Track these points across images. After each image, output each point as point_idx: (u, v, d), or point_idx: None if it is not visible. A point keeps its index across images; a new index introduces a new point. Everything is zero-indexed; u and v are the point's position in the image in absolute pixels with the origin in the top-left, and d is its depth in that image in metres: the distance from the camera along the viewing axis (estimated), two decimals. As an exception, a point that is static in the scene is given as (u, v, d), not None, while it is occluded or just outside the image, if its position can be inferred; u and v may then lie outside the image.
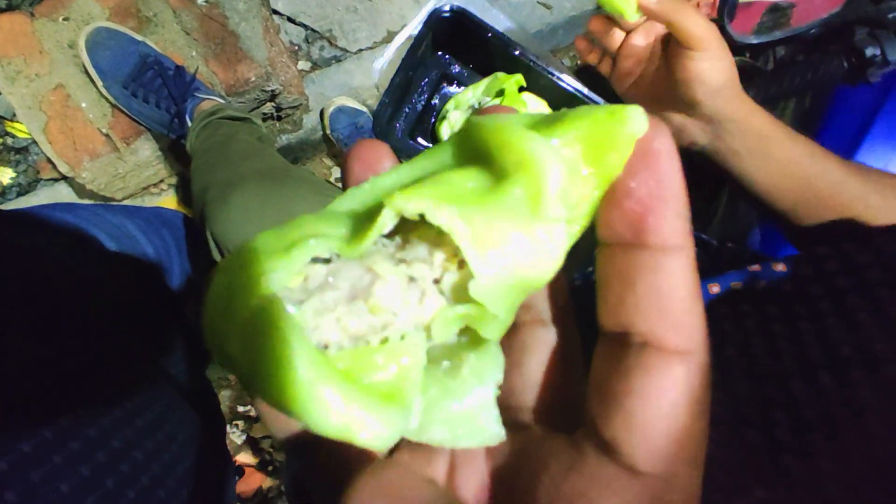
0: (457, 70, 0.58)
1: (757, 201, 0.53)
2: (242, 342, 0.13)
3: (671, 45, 0.49)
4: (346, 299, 0.14)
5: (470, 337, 0.16)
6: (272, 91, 1.01)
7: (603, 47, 0.55)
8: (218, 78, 0.94)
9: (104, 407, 0.41)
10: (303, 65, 1.16)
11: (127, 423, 0.42)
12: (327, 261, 0.15)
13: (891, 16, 0.72)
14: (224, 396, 1.26)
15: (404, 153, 0.54)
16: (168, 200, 1.12)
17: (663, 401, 0.13)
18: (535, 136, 0.14)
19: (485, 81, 0.55)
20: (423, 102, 0.58)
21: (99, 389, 0.42)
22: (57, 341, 0.43)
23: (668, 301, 0.14)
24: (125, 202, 1.07)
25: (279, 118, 1.14)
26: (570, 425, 0.16)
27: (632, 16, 0.48)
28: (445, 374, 0.15)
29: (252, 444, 1.26)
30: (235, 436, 1.26)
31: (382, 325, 0.14)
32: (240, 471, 1.21)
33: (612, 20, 0.51)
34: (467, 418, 0.15)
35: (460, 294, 0.14)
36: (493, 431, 0.15)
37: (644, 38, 0.52)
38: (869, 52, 0.70)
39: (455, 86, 0.58)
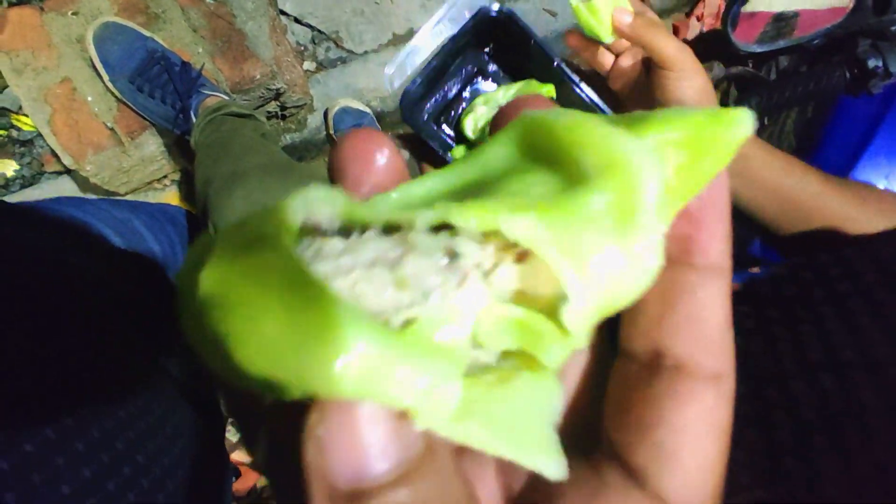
0: (493, 69, 0.59)
1: (740, 213, 0.54)
2: (224, 276, 0.11)
3: (650, 66, 0.50)
4: (367, 265, 0.11)
5: (516, 362, 0.13)
6: (277, 90, 1.01)
7: (590, 62, 0.56)
8: (223, 75, 0.95)
9: (108, 407, 0.41)
10: (308, 65, 1.17)
11: (130, 425, 0.42)
12: (346, 236, 0.12)
13: (894, 28, 0.72)
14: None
15: (427, 136, 0.54)
16: (171, 196, 1.12)
17: (695, 431, 0.13)
18: (628, 136, 0.12)
19: (517, 84, 0.56)
20: (454, 92, 0.58)
21: (103, 389, 0.42)
22: (60, 340, 0.43)
23: (708, 324, 0.13)
24: (128, 197, 1.08)
25: (283, 117, 1.15)
26: (587, 444, 0.15)
27: (607, 38, 0.50)
28: (491, 383, 0.12)
29: (247, 442, 1.26)
30: (231, 434, 1.26)
31: (409, 303, 0.11)
32: (237, 471, 1.21)
33: (590, 38, 0.53)
34: (518, 426, 0.12)
35: (518, 298, 0.12)
36: (552, 460, 0.12)
37: (631, 59, 0.53)
38: (871, 63, 0.71)
39: (489, 83, 0.59)
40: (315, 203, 0.12)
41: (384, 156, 0.14)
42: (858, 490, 0.31)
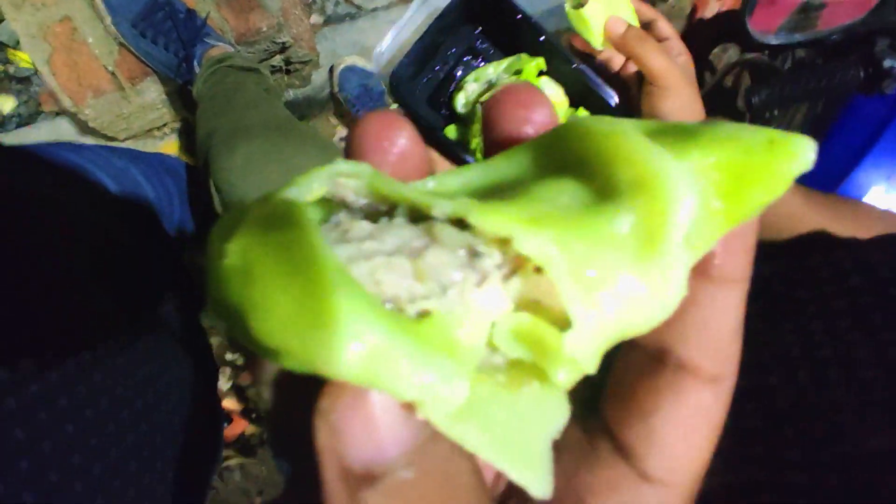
0: (483, 45, 0.58)
1: None
2: (248, 249, 0.11)
3: (641, 76, 0.50)
4: (389, 253, 0.11)
5: (529, 370, 0.12)
6: (283, 43, 0.99)
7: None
8: (229, 25, 0.92)
9: (108, 353, 0.42)
10: (316, 19, 1.13)
11: (130, 373, 0.44)
12: (375, 221, 0.12)
13: (914, 28, 0.71)
14: (212, 343, 1.28)
15: (418, 115, 0.55)
16: (171, 145, 1.11)
17: (688, 424, 0.14)
18: (665, 154, 0.11)
19: (508, 60, 0.55)
20: (445, 71, 0.58)
21: (101, 335, 0.43)
22: (58, 285, 0.43)
23: (717, 333, 0.13)
24: (127, 143, 1.06)
25: (287, 72, 1.12)
26: (582, 413, 0.15)
27: (598, 45, 0.50)
28: (500, 385, 0.12)
29: (238, 391, 1.29)
30: (221, 382, 1.29)
31: (426, 294, 0.11)
32: (228, 418, 1.24)
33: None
34: (515, 435, 0.11)
35: (530, 306, 0.12)
36: (539, 478, 0.11)
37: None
38: (887, 63, 0.70)
39: (480, 60, 0.58)
40: (342, 175, 0.12)
41: (403, 141, 0.14)
42: (821, 480, 0.32)
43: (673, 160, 0.11)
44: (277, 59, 1.05)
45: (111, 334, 0.45)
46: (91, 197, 0.60)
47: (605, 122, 0.12)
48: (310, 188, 0.12)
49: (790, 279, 0.44)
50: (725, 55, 1.37)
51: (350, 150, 0.14)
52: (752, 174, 0.12)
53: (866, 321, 0.37)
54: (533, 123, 0.14)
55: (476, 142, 0.52)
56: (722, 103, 1.20)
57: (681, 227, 0.11)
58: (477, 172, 0.13)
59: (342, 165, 0.12)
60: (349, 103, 1.16)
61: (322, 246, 0.10)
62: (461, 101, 0.55)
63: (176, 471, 0.46)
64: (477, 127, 0.53)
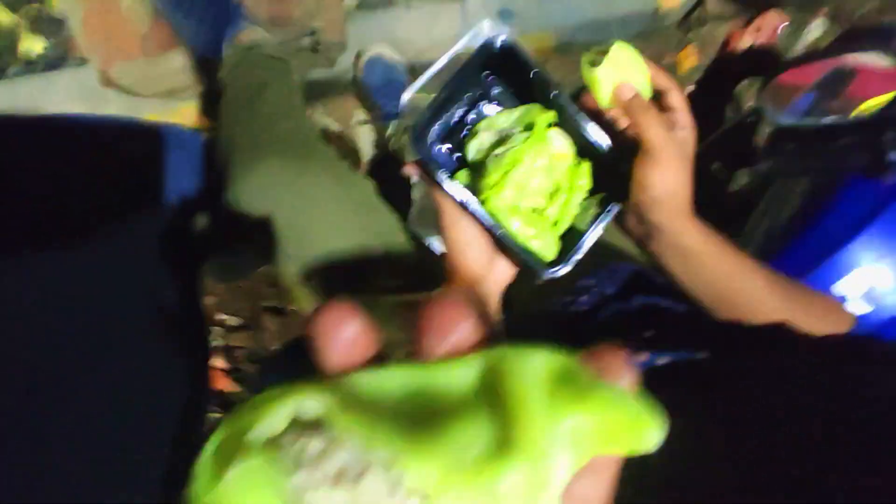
0: (497, 91, 0.60)
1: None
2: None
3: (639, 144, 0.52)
4: (333, 478, 0.15)
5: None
6: (313, 28, 0.99)
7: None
8: (262, 8, 0.93)
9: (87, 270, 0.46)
10: (349, 2, 1.13)
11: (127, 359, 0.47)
12: (326, 432, 0.16)
13: (925, 126, 0.73)
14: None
15: (431, 166, 0.57)
16: (191, 109, 1.13)
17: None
18: (553, 429, 0.15)
19: (519, 110, 0.57)
20: (459, 115, 0.60)
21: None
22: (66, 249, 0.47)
23: None
24: (148, 101, 1.08)
25: (314, 51, 1.13)
26: None
27: (605, 104, 0.52)
28: None
29: (226, 351, 1.34)
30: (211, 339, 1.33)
31: None
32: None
33: None
34: None
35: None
36: None
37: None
38: (893, 157, 0.72)
39: (494, 104, 0.60)
40: (304, 408, 0.16)
41: (353, 331, 0.16)
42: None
43: (558, 436, 0.15)
44: (306, 42, 1.05)
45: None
46: (102, 162, 0.61)
47: (521, 377, 0.16)
48: (276, 423, 0.16)
49: (753, 377, 0.46)
50: (751, 91, 1.37)
51: (307, 334, 0.17)
52: (616, 435, 0.16)
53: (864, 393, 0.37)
54: (453, 340, 0.17)
55: (484, 196, 0.54)
56: (738, 141, 1.20)
57: (556, 489, 0.15)
58: (418, 376, 0.16)
59: (305, 405, 0.16)
60: (370, 92, 1.17)
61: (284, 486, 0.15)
62: (473, 149, 0.57)
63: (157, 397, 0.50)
64: (486, 181, 0.55)
